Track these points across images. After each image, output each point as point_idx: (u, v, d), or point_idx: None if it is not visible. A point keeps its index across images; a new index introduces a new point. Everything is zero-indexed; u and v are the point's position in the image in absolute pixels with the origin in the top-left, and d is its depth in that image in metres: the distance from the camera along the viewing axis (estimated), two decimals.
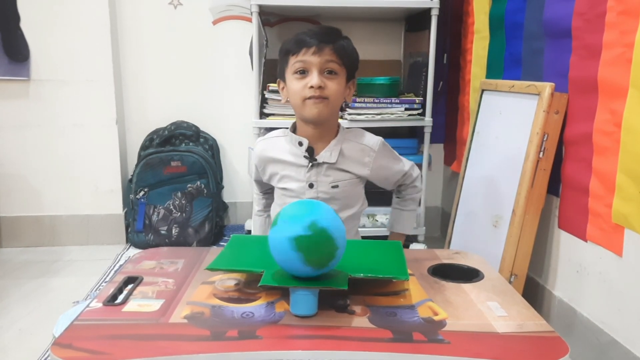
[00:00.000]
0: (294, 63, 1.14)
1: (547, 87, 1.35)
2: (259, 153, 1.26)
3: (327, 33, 1.16)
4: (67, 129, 2.18)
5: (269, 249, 0.84)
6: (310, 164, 1.19)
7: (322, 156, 1.19)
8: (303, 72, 1.14)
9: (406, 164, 1.32)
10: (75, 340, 0.73)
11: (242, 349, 0.72)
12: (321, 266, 0.82)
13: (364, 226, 2.06)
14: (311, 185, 1.20)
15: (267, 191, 1.38)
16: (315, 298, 0.80)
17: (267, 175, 1.27)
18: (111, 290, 0.89)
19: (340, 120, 1.95)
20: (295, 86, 1.14)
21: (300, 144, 1.19)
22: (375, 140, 1.25)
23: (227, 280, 0.93)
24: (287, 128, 1.24)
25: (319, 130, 1.19)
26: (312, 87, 1.11)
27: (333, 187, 1.20)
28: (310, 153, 1.19)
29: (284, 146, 1.22)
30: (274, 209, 1.30)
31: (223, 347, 0.72)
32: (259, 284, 0.82)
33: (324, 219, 0.82)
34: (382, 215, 2.09)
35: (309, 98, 1.13)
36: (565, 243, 1.37)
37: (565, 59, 1.34)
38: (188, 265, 1.02)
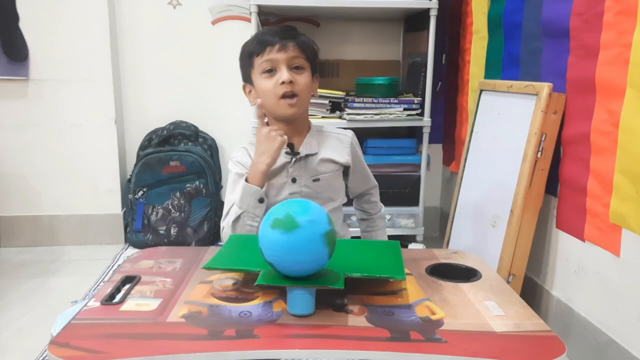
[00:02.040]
0: (260, 63, 1.15)
1: (545, 87, 1.35)
2: (242, 162, 1.22)
3: (286, 30, 1.17)
4: (66, 129, 2.18)
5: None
6: (294, 158, 1.19)
7: (303, 149, 1.21)
8: (271, 71, 1.14)
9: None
10: (73, 339, 0.73)
11: (240, 348, 0.72)
12: (331, 257, 0.84)
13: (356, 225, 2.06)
14: (294, 180, 1.20)
15: None
16: (312, 297, 0.80)
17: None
18: (109, 289, 0.89)
19: (339, 120, 1.97)
20: (266, 85, 1.15)
21: None
22: (346, 131, 1.29)
23: (225, 280, 0.93)
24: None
25: (292, 126, 1.20)
26: (283, 82, 1.12)
27: (314, 180, 1.21)
28: (291, 148, 1.20)
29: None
30: None
31: (220, 346, 0.72)
32: (255, 283, 0.82)
33: (326, 211, 0.85)
34: (405, 217, 2.11)
35: (283, 97, 1.14)
36: (563, 243, 1.37)
37: (563, 59, 1.34)
38: (186, 264, 1.02)
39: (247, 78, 1.21)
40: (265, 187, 1.19)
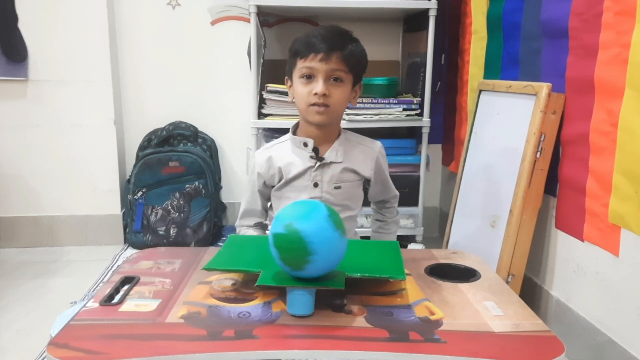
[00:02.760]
0: (300, 67, 1.14)
1: (544, 87, 1.35)
2: (264, 163, 1.24)
3: (337, 37, 1.14)
4: (65, 129, 2.18)
5: (267, 249, 0.84)
6: (317, 163, 1.20)
7: (329, 155, 1.21)
8: (309, 77, 1.14)
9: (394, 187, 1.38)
10: (72, 340, 0.73)
11: (239, 348, 0.72)
12: (296, 267, 0.81)
13: (362, 226, 2.06)
14: (316, 185, 1.20)
15: (259, 223, 1.35)
16: (312, 298, 0.80)
17: (275, 181, 1.25)
18: (108, 290, 0.89)
19: None
20: (301, 90, 1.15)
21: (305, 144, 1.20)
22: (376, 142, 1.29)
23: (224, 280, 0.93)
24: (287, 133, 1.25)
25: (322, 131, 1.20)
26: (316, 94, 1.12)
27: (336, 187, 1.21)
28: (316, 153, 1.20)
29: (288, 149, 1.23)
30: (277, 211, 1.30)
31: (219, 347, 0.72)
32: (256, 284, 0.82)
33: (306, 222, 0.80)
34: (404, 217, 2.11)
35: (313, 105, 1.14)
36: (562, 243, 1.37)
37: (562, 59, 1.34)
38: (185, 265, 1.02)
39: (289, 73, 1.21)
40: (286, 189, 1.22)
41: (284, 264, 0.82)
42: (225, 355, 0.71)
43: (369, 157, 1.25)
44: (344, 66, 1.13)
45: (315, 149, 1.20)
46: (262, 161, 1.25)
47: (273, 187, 1.26)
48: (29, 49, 2.10)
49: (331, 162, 1.20)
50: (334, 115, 1.18)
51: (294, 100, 1.20)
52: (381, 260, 0.96)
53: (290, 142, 1.23)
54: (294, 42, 1.17)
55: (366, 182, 1.30)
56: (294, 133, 1.24)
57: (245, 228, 1.34)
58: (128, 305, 0.84)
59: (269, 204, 1.33)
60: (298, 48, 1.15)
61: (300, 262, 0.80)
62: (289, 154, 1.23)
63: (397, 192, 1.38)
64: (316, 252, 0.79)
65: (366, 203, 1.40)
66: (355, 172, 1.24)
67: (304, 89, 1.14)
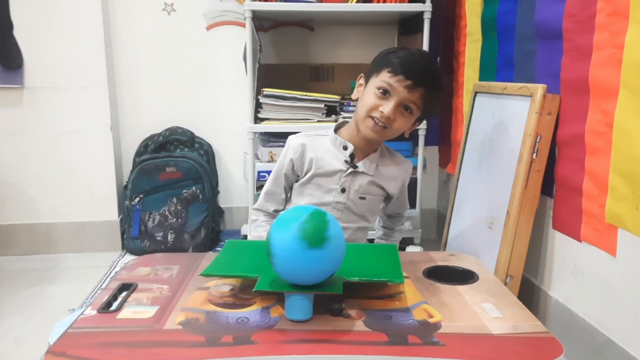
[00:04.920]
0: (383, 80, 1.13)
1: (539, 88, 1.36)
2: (298, 147, 1.22)
3: (430, 75, 1.14)
4: (61, 136, 2.17)
5: (265, 254, 0.84)
6: (350, 169, 1.20)
7: (362, 165, 1.21)
8: (385, 93, 1.13)
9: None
10: (69, 348, 0.73)
11: (237, 354, 0.72)
12: (318, 243, 0.80)
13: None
14: (343, 190, 1.20)
15: (278, 211, 1.32)
16: (310, 303, 0.80)
17: (303, 170, 1.24)
18: (105, 297, 0.88)
19: (334, 124, 1.97)
20: (370, 100, 1.14)
21: (345, 148, 1.20)
22: (409, 163, 1.30)
23: (222, 286, 0.93)
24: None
25: (366, 141, 1.21)
26: (382, 112, 1.12)
27: (361, 197, 1.22)
28: (351, 159, 1.20)
29: (325, 145, 1.22)
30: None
31: (218, 353, 0.72)
32: (254, 289, 0.82)
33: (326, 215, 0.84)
34: None
35: (372, 118, 1.14)
36: (559, 243, 1.38)
37: (556, 60, 1.34)
38: (183, 271, 1.01)
39: (367, 75, 1.19)
40: (311, 185, 1.21)
41: (302, 240, 0.78)
42: None
43: (399, 177, 1.27)
44: (420, 102, 1.13)
45: (352, 155, 1.20)
46: (296, 145, 1.23)
47: (299, 177, 1.24)
48: (24, 56, 2.10)
49: (362, 172, 1.21)
50: (386, 138, 1.18)
51: (356, 98, 1.20)
52: (379, 264, 0.96)
53: (330, 140, 1.22)
54: (391, 53, 1.16)
55: (387, 198, 1.30)
56: (336, 131, 1.23)
57: (262, 218, 1.30)
58: (126, 313, 0.84)
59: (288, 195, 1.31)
60: (393, 62, 1.13)
61: (322, 237, 0.79)
62: (324, 150, 1.22)
63: (408, 207, 1.41)
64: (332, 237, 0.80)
65: None
66: (381, 187, 1.25)
67: (375, 100, 1.13)
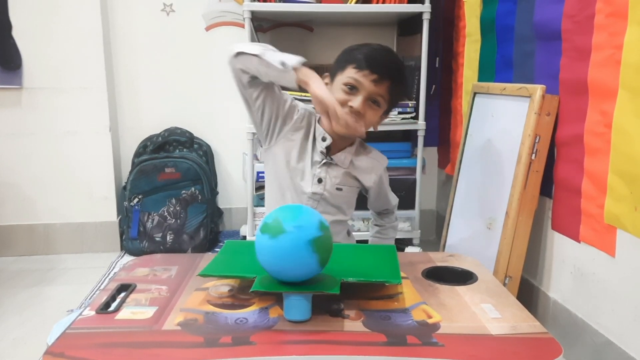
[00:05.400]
0: (349, 76, 1.14)
1: (538, 89, 1.36)
2: (306, 112, 1.23)
3: (394, 68, 1.15)
4: (60, 137, 2.17)
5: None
6: (325, 159, 1.21)
7: (338, 158, 1.22)
8: (352, 88, 1.14)
9: (394, 197, 1.40)
10: (68, 349, 0.72)
11: (236, 355, 0.71)
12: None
13: (359, 230, 2.06)
14: (320, 180, 1.21)
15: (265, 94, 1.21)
16: (308, 303, 0.80)
17: (285, 129, 1.21)
18: (104, 298, 0.88)
19: None
20: (340, 96, 1.14)
21: (324, 139, 1.21)
22: (384, 158, 1.31)
23: (221, 287, 0.93)
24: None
25: (338, 136, 1.21)
26: (351, 107, 1.13)
27: (338, 189, 1.22)
28: (327, 150, 1.21)
29: (309, 119, 1.23)
30: (272, 192, 1.28)
31: (217, 354, 0.71)
32: (251, 290, 0.82)
33: (322, 218, 0.84)
34: (401, 220, 2.11)
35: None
36: (558, 244, 1.38)
37: (555, 61, 1.35)
38: (182, 271, 1.01)
39: (332, 72, 1.20)
40: (290, 172, 1.21)
41: (320, 265, 0.81)
42: None
43: (374, 170, 1.28)
44: (387, 95, 1.15)
45: (328, 147, 1.21)
46: (303, 110, 1.23)
47: (279, 129, 1.21)
48: (23, 57, 2.10)
49: (336, 164, 1.22)
50: (363, 132, 1.19)
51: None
52: (377, 265, 0.96)
53: (314, 126, 1.23)
54: (355, 50, 1.16)
55: (364, 191, 1.31)
56: (319, 121, 1.24)
57: None
58: (124, 313, 0.83)
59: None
60: (357, 57, 1.14)
61: (330, 256, 0.83)
62: (304, 128, 1.22)
63: (395, 202, 1.40)
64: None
65: (365, 207, 1.41)
66: (356, 179, 1.26)
67: (343, 96, 1.14)
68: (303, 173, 1.23)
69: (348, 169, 1.24)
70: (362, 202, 1.36)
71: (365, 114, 1.14)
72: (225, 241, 1.09)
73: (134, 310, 0.84)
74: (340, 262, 0.89)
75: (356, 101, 1.13)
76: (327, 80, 1.21)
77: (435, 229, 2.40)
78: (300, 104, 1.26)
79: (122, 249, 2.24)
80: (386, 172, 1.33)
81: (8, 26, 2.07)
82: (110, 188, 2.23)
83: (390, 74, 1.14)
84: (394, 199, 1.40)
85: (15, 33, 2.08)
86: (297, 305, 0.80)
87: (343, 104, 1.13)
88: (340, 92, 1.15)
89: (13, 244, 2.19)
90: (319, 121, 1.24)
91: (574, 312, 1.30)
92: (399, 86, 1.18)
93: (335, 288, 0.82)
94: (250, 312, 0.83)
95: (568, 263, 1.33)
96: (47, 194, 2.19)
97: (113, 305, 0.86)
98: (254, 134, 1.99)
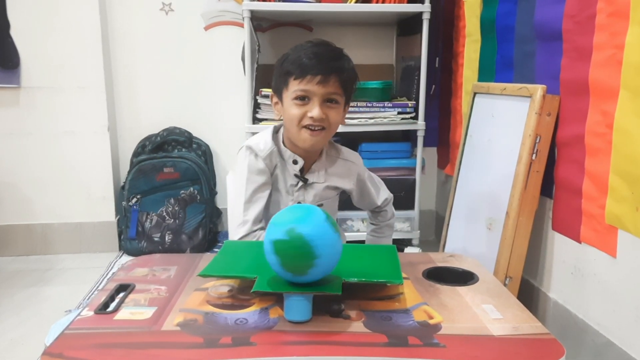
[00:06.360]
0: (295, 89, 1.09)
1: (538, 89, 1.35)
2: (264, 158, 1.17)
3: (332, 59, 1.09)
4: (58, 137, 2.16)
5: (263, 255, 0.83)
6: (300, 182, 1.18)
7: (313, 177, 1.19)
8: (303, 99, 1.09)
9: (384, 189, 1.34)
10: (66, 349, 0.72)
11: (236, 355, 0.71)
12: (300, 273, 0.80)
13: (358, 230, 2.05)
14: (299, 203, 1.19)
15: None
16: (309, 303, 0.80)
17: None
18: (103, 298, 0.88)
19: None
20: (294, 112, 1.09)
21: (295, 162, 1.17)
22: (356, 157, 1.26)
23: (221, 287, 0.92)
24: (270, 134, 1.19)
25: (308, 151, 1.17)
26: (312, 117, 1.08)
27: (318, 205, 1.20)
28: (301, 172, 1.18)
29: (274, 157, 1.18)
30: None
31: (216, 354, 0.71)
32: (252, 290, 0.81)
33: (307, 226, 0.79)
34: (401, 221, 2.11)
35: (306, 127, 1.10)
36: (559, 245, 1.37)
37: (556, 61, 1.34)
38: (181, 272, 1.01)
39: (277, 91, 1.15)
40: (267, 202, 1.18)
41: (286, 271, 0.80)
42: None
43: (350, 173, 1.24)
44: (340, 89, 1.10)
45: (301, 169, 1.18)
46: (264, 159, 1.18)
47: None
48: (21, 56, 2.09)
49: (314, 182, 1.20)
50: (329, 137, 1.15)
51: (281, 118, 1.15)
52: (378, 265, 0.95)
53: (277, 153, 1.17)
54: (286, 62, 1.11)
55: (343, 193, 1.28)
56: (283, 142, 1.18)
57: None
58: (123, 314, 0.83)
59: None
60: (291, 69, 1.09)
61: (304, 267, 0.79)
62: (273, 166, 1.18)
63: (388, 196, 1.35)
64: (320, 256, 0.78)
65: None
66: (335, 187, 1.23)
67: (298, 110, 1.09)
68: (278, 203, 1.19)
69: (326, 182, 1.20)
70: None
71: (329, 116, 1.09)
72: (224, 241, 1.08)
73: (132, 311, 0.83)
74: (340, 262, 0.88)
75: (314, 110, 1.08)
76: (275, 99, 1.17)
77: (434, 230, 2.40)
78: (260, 154, 1.16)
79: (120, 249, 2.23)
80: (365, 169, 1.27)
81: (6, 25, 2.06)
82: (109, 188, 2.22)
83: (332, 67, 1.08)
84: (383, 195, 1.33)
85: (14, 32, 2.07)
86: (298, 305, 0.79)
87: (303, 116, 1.09)
88: (293, 107, 1.10)
89: (11, 244, 2.18)
90: (284, 143, 1.18)
91: (574, 313, 1.30)
92: (346, 72, 1.11)
93: (337, 288, 0.81)
94: (250, 313, 0.82)
95: (569, 264, 1.33)
96: (45, 194, 2.18)
97: (112, 306, 0.86)
98: (252, 133, 1.98)
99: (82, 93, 2.15)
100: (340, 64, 1.11)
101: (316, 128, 1.10)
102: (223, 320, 0.80)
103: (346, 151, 1.26)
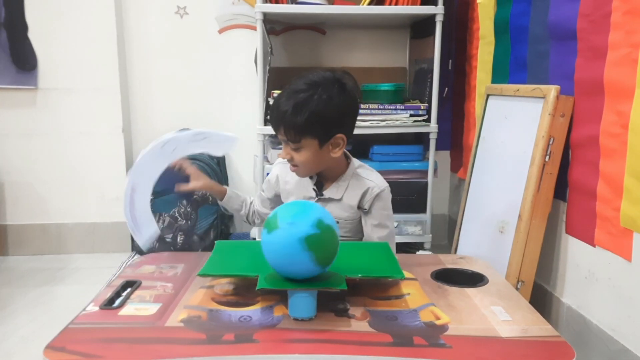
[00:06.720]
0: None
1: (552, 90, 1.33)
2: (275, 177, 1.32)
3: (282, 112, 1.13)
4: (73, 137, 2.19)
5: (261, 254, 0.83)
6: (316, 197, 1.22)
7: (329, 192, 1.22)
8: (281, 143, 1.20)
9: (385, 234, 1.23)
10: (69, 343, 0.72)
11: (238, 352, 0.70)
12: (328, 263, 0.83)
13: None
14: None
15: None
16: (314, 300, 0.79)
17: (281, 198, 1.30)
18: (109, 294, 0.88)
19: None
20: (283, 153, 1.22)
21: (311, 177, 1.23)
22: (382, 183, 1.24)
23: (226, 284, 0.92)
24: None
25: (320, 174, 1.23)
26: (283, 157, 1.20)
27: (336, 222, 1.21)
28: (319, 187, 1.23)
29: (293, 175, 1.25)
30: None
31: (218, 351, 0.70)
32: (257, 288, 0.81)
33: (326, 216, 0.83)
34: (412, 224, 2.07)
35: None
36: (573, 248, 1.34)
37: (570, 61, 1.32)
38: (187, 269, 1.01)
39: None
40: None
41: (317, 264, 0.80)
42: (224, 359, 0.69)
43: (369, 193, 1.21)
44: (292, 136, 1.14)
45: (319, 184, 1.23)
46: (270, 179, 1.33)
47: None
48: (38, 58, 2.12)
49: (330, 198, 1.22)
50: (306, 172, 1.20)
51: None
52: (376, 261, 0.95)
53: None
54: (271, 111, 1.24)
55: (364, 212, 1.24)
56: None
57: None
58: (128, 309, 0.83)
59: None
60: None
61: (333, 256, 0.83)
62: (293, 180, 1.26)
63: (385, 239, 1.21)
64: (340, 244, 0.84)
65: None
66: (351, 206, 1.22)
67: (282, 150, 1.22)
68: None
69: (342, 200, 1.21)
70: None
71: (294, 157, 1.17)
72: (216, 242, 1.08)
73: (137, 307, 0.84)
74: (340, 260, 0.88)
75: (282, 152, 1.20)
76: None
77: (447, 234, 2.37)
78: (265, 182, 1.36)
79: (132, 250, 2.25)
80: (382, 199, 1.22)
81: (24, 27, 2.10)
82: (122, 189, 2.23)
83: (280, 119, 1.14)
84: (377, 234, 1.21)
85: (31, 34, 2.11)
86: (302, 302, 0.78)
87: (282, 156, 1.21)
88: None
89: (26, 243, 2.21)
90: None
91: (588, 318, 1.27)
92: (296, 125, 1.12)
93: (342, 284, 0.80)
94: (254, 310, 0.82)
95: (583, 268, 1.30)
96: (60, 194, 2.21)
97: (117, 301, 0.86)
98: (264, 135, 1.99)
99: (97, 94, 2.17)
100: (290, 115, 1.12)
101: (292, 164, 1.19)
102: (227, 317, 0.80)
103: (377, 177, 1.25)
